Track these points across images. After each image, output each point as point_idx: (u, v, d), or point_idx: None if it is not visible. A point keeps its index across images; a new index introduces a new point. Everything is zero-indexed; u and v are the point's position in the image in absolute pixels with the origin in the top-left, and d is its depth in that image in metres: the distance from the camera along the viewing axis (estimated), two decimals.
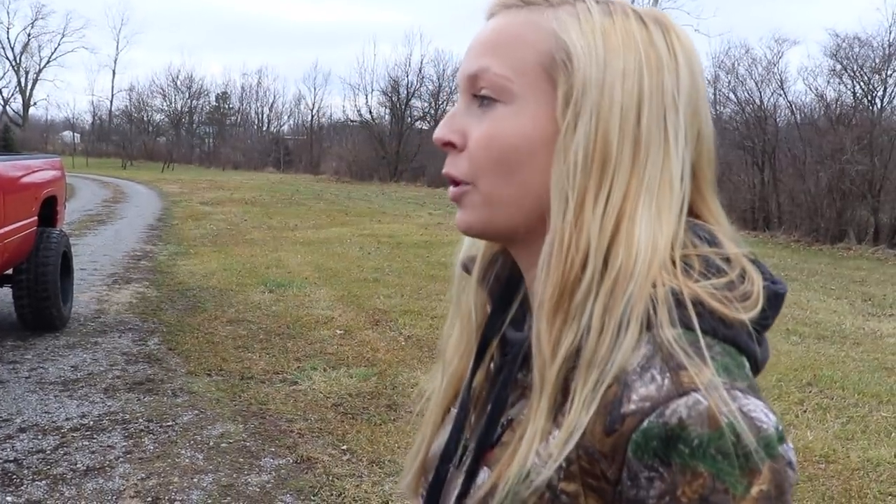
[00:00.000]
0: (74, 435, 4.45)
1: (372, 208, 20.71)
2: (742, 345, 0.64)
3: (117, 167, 46.23)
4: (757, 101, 19.03)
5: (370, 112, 40.12)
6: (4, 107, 56.41)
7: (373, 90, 49.39)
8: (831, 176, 16.37)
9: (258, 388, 5.37)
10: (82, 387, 5.27)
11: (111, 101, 64.70)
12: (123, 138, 55.62)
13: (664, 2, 25.94)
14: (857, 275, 11.89)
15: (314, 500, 3.80)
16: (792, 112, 19.44)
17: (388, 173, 35.37)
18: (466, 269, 0.84)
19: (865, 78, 17.93)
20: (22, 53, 58.15)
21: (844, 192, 16.40)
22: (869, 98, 18.10)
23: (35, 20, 58.78)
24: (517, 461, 0.65)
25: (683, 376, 0.60)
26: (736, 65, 19.65)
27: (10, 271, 6.34)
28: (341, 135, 45.46)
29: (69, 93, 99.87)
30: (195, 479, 3.94)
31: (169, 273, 9.78)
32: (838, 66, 18.26)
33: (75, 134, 62.86)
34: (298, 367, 5.87)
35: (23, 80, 58.47)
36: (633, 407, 0.60)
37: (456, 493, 0.74)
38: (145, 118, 60.54)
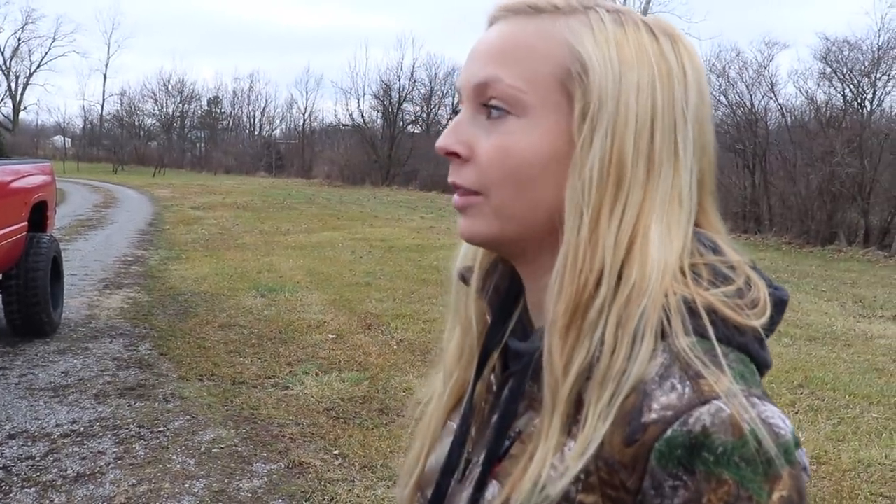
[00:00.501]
0: (64, 441, 4.43)
1: (364, 212, 20.70)
2: (753, 352, 0.65)
3: (108, 172, 46.09)
4: (748, 104, 19.10)
5: (362, 116, 40.14)
6: None
7: (365, 94, 49.38)
8: (822, 178, 16.44)
9: (250, 393, 5.36)
10: (73, 393, 5.24)
11: (102, 106, 64.41)
12: (114, 143, 55.44)
13: (655, 5, 26.03)
14: (847, 276, 11.94)
15: None
16: (782, 115, 19.53)
17: (380, 177, 35.36)
18: (464, 278, 0.82)
19: (855, 81, 18.01)
20: (12, 58, 57.93)
21: (835, 194, 16.47)
22: (858, 101, 18.18)
23: (25, 24, 58.55)
24: (531, 474, 0.65)
25: (703, 384, 0.60)
26: (727, 68, 19.72)
27: None
28: (333, 139, 45.46)
29: (60, 97, 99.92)
30: (186, 485, 3.92)
31: (160, 278, 9.75)
32: (828, 70, 18.35)
33: (66, 138, 62.67)
34: (290, 371, 5.86)
35: (13, 85, 58.25)
36: (654, 416, 0.60)
37: None
38: (136, 123, 60.40)
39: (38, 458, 4.19)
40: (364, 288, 9.35)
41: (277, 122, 60.75)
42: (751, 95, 19.16)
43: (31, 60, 59.82)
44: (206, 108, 61.40)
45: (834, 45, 18.17)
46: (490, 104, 0.69)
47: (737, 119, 19.06)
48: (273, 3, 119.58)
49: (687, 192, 0.68)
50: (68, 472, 4.04)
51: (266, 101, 76.59)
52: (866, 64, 17.76)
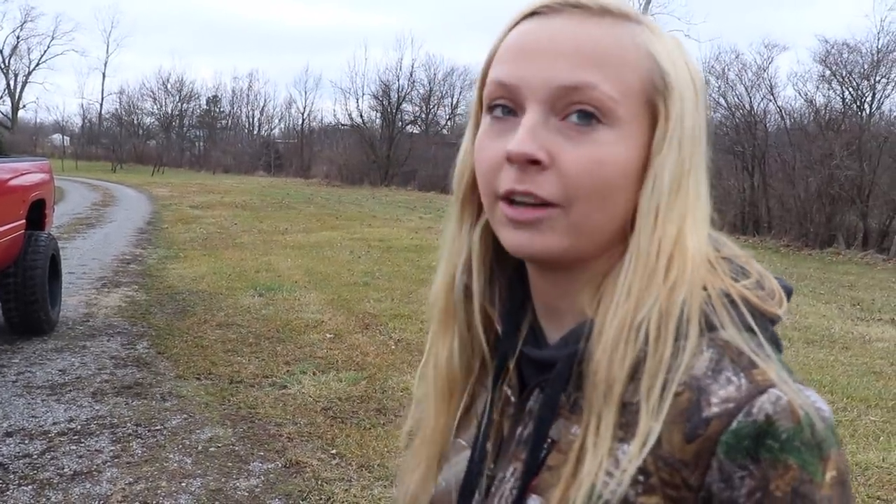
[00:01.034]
0: (62, 439, 4.42)
1: (362, 212, 20.69)
2: (777, 341, 0.69)
3: (107, 170, 46.05)
4: (747, 106, 19.13)
5: (361, 116, 40.16)
6: None
7: (364, 94, 49.48)
8: (821, 181, 16.45)
9: (247, 392, 5.35)
10: (70, 391, 5.24)
11: (101, 104, 64.41)
12: (113, 141, 55.39)
13: (655, 7, 26.04)
14: (846, 279, 11.95)
15: None
16: (782, 117, 19.56)
17: (378, 177, 35.36)
18: (468, 291, 0.79)
19: (854, 84, 18.04)
20: (11, 56, 57.87)
21: (833, 197, 16.49)
22: (858, 104, 18.22)
23: (24, 23, 58.35)
24: (585, 482, 0.64)
25: (756, 374, 0.62)
26: (726, 70, 19.76)
27: None
28: (332, 139, 45.43)
29: (59, 96, 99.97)
30: (183, 484, 3.92)
31: (158, 277, 9.74)
32: (827, 72, 18.39)
33: (65, 137, 62.67)
34: (288, 371, 5.85)
35: (12, 83, 58.18)
36: (716, 410, 0.61)
37: None
38: (135, 121, 60.34)
39: (35, 456, 4.18)
40: (362, 288, 9.35)
41: (276, 121, 60.85)
42: (750, 98, 19.20)
43: (29, 59, 59.72)
44: (204, 107, 61.41)
45: (833, 47, 18.23)
46: (577, 110, 0.66)
47: (736, 121, 19.08)
48: (272, 3, 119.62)
49: (706, 192, 0.71)
50: (65, 469, 4.03)
51: (265, 100, 76.49)
52: (865, 67, 17.80)
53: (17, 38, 57.82)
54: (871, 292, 10.70)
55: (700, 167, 0.70)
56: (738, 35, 75.52)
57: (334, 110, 77.39)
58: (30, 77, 59.71)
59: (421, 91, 41.12)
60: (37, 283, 6.32)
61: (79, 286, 8.81)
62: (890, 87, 17.90)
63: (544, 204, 0.66)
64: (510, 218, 0.68)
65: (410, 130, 40.23)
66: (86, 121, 66.14)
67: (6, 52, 57.61)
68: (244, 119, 62.04)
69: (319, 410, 5.03)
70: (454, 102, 44.20)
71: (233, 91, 62.29)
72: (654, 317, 0.65)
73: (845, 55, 18.10)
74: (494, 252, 0.78)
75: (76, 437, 4.47)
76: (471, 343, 0.80)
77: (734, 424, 0.60)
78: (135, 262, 10.92)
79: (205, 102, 61.30)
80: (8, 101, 57.48)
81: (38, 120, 66.09)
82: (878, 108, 18.22)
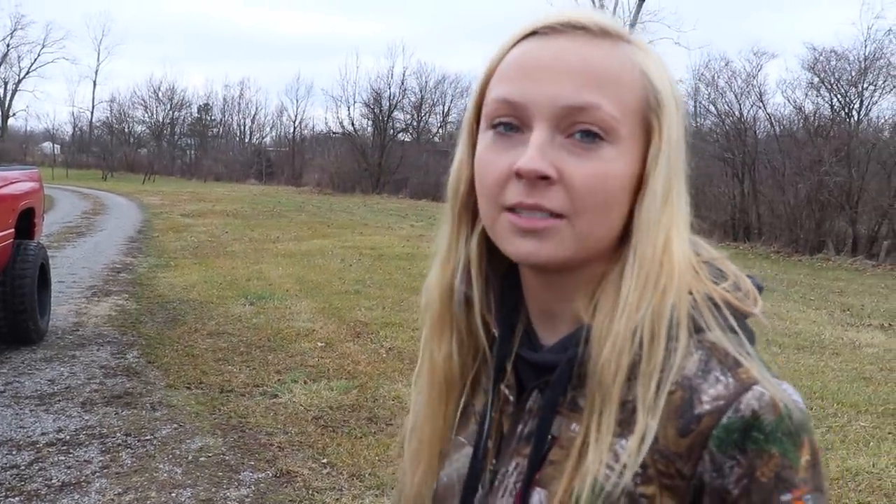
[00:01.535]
0: (50, 450, 4.39)
1: (354, 220, 20.68)
2: (752, 333, 0.74)
3: (98, 179, 45.92)
4: (737, 113, 19.22)
5: (352, 124, 40.18)
6: None
7: (355, 102, 49.24)
8: (810, 187, 16.53)
9: (238, 401, 5.33)
10: (59, 401, 5.21)
11: (92, 113, 64.29)
12: (104, 150, 55.30)
13: (645, 15, 26.14)
14: (835, 285, 11.99)
15: None
16: (771, 124, 19.66)
17: (370, 185, 35.35)
18: (467, 297, 0.82)
19: (842, 91, 18.17)
20: (1, 64, 57.75)
21: (823, 203, 16.57)
22: (846, 111, 18.34)
23: (14, 30, 58.31)
24: (589, 475, 0.69)
25: (742, 373, 0.68)
26: (716, 77, 19.87)
27: None
28: (323, 147, 45.44)
29: (49, 104, 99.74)
30: (173, 494, 3.90)
31: (149, 285, 9.71)
32: (816, 79, 18.51)
33: (55, 145, 62.48)
34: (279, 379, 5.84)
35: (2, 91, 58.09)
36: (707, 407, 0.67)
37: None
38: (126, 129, 60.29)
39: (22, 467, 4.15)
40: (353, 296, 9.34)
41: (268, 129, 60.80)
42: (739, 105, 19.30)
43: (20, 66, 59.65)
44: (196, 115, 61.35)
45: (821, 55, 18.36)
46: (583, 129, 0.70)
47: (726, 128, 19.18)
48: (264, 11, 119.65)
49: (685, 196, 0.75)
50: (53, 480, 4.00)
51: (256, 108, 76.52)
52: (853, 74, 17.93)
53: (7, 46, 57.77)
54: (861, 298, 10.74)
55: (682, 177, 0.75)
56: (728, 42, 76.08)
57: (326, 118, 77.29)
58: (20, 85, 59.72)
59: (412, 99, 41.25)
60: (26, 292, 6.28)
61: (68, 295, 8.77)
62: (877, 94, 18.04)
63: (552, 215, 0.70)
64: (519, 227, 0.71)
65: (402, 138, 40.29)
66: (76, 129, 66.06)
67: None
68: (235, 127, 62.02)
69: (310, 419, 5.01)
70: (445, 110, 44.33)
71: (224, 99, 62.03)
72: (648, 321, 0.70)
73: (833, 62, 18.24)
74: (488, 260, 0.82)
75: (65, 447, 4.44)
76: (468, 345, 0.83)
77: (724, 420, 0.66)
78: (125, 271, 10.88)
79: (196, 110, 61.28)
80: None
81: (29, 128, 66.11)
82: (866, 114, 18.37)
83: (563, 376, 0.73)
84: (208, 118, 61.50)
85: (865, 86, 17.87)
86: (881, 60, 17.73)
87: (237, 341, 6.93)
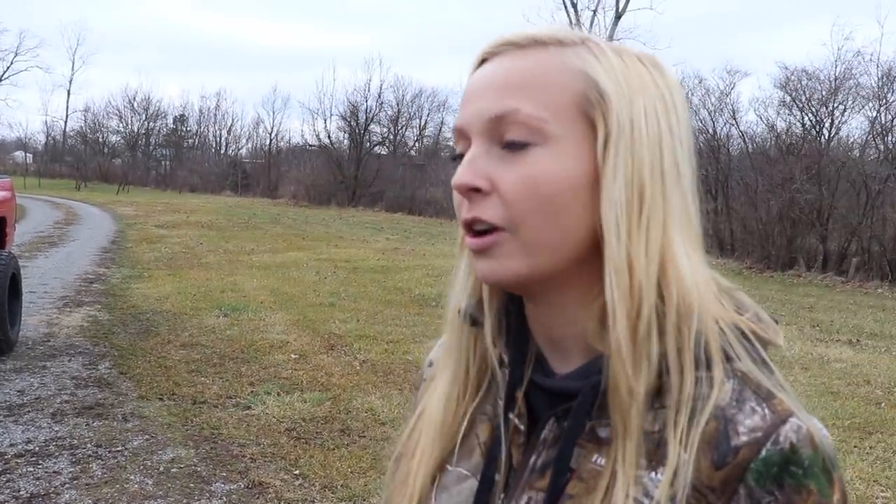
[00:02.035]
0: (18, 461, 4.35)
1: (329, 233, 20.65)
2: (773, 369, 0.71)
3: (71, 189, 45.52)
4: (710, 130, 19.46)
5: (329, 137, 40.15)
6: None
7: (332, 115, 49.33)
8: (782, 204, 16.76)
9: (210, 412, 5.31)
10: (28, 412, 5.16)
11: (66, 122, 63.73)
12: (78, 159, 54.83)
13: (620, 32, 26.38)
14: (806, 301, 12.15)
15: None
16: (744, 141, 19.95)
17: (346, 198, 35.32)
18: (473, 319, 0.78)
19: (813, 109, 18.47)
20: None
21: (794, 220, 16.81)
22: (817, 129, 18.63)
23: None
24: None
25: (777, 404, 0.65)
26: (690, 95, 20.07)
27: None
28: (300, 159, 45.39)
29: (22, 112, 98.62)
30: None
31: (122, 296, 9.64)
32: (788, 98, 18.81)
33: (27, 154, 61.84)
34: (252, 391, 5.82)
35: None
36: (744, 439, 0.64)
37: None
38: (101, 139, 59.88)
39: None
40: (328, 308, 9.33)
41: (244, 141, 60.64)
42: (713, 122, 19.55)
43: None
44: (171, 125, 61.10)
45: (793, 74, 18.67)
46: (508, 136, 0.68)
47: (699, 145, 19.23)
48: (241, 22, 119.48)
49: (694, 211, 0.71)
50: (21, 492, 3.97)
51: (232, 119, 76.33)
52: (824, 93, 18.24)
53: None
54: (830, 314, 10.89)
55: (677, 179, 0.70)
56: (702, 61, 76.86)
57: (302, 130, 77.36)
58: None
59: (389, 112, 41.34)
60: None
61: (40, 305, 8.68)
62: (847, 113, 18.36)
63: (493, 229, 0.69)
64: (471, 248, 0.71)
65: (378, 151, 40.33)
66: (49, 138, 65.43)
67: None
68: (211, 138, 61.80)
69: (283, 431, 5.00)
70: (422, 124, 44.51)
71: (200, 110, 61.97)
72: (671, 347, 0.66)
73: (804, 82, 18.55)
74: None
75: (34, 458, 4.40)
76: (473, 371, 0.80)
77: (763, 452, 0.63)
78: (98, 282, 10.79)
79: (171, 121, 61.02)
80: None
81: (0, 137, 65.19)
82: (836, 133, 18.66)
83: (586, 403, 0.69)
84: (184, 129, 61.26)
85: (836, 105, 18.19)
86: (850, 81, 18.06)
87: (210, 353, 6.90)
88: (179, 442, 4.74)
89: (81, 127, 61.66)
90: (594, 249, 0.69)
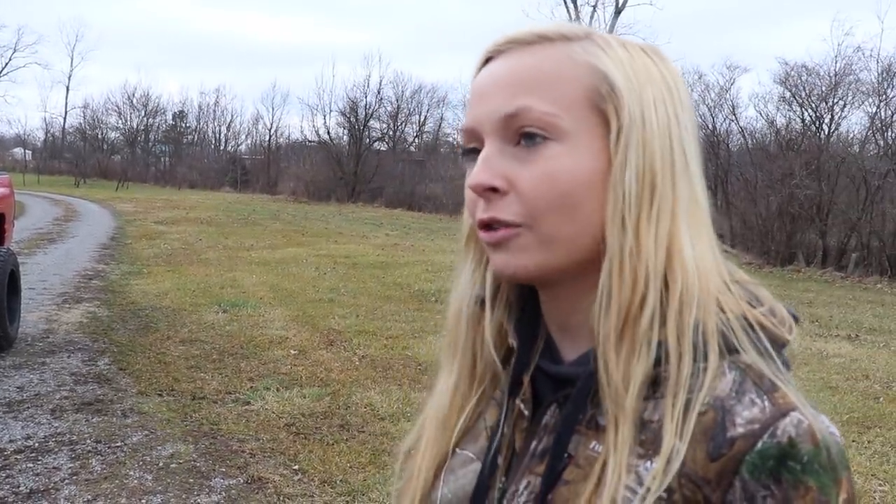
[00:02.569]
0: (18, 457, 4.36)
1: (329, 229, 20.65)
2: (788, 362, 0.70)
3: (70, 185, 45.49)
4: (710, 126, 19.46)
5: (328, 132, 40.10)
6: None
7: (331, 111, 49.11)
8: (781, 200, 16.77)
9: (210, 408, 5.31)
10: (28, 408, 5.16)
11: (65, 118, 63.54)
12: (77, 156, 54.73)
13: (620, 28, 26.38)
14: (805, 296, 12.16)
15: None
16: (744, 137, 19.96)
17: (345, 194, 35.31)
18: (483, 304, 0.79)
19: (813, 105, 18.47)
20: None
21: (794, 215, 16.81)
22: (816, 125, 18.64)
23: None
24: (607, 496, 0.64)
25: (778, 397, 0.64)
26: (689, 90, 20.04)
27: None
28: (299, 155, 45.30)
29: (20, 109, 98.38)
30: (143, 501, 3.88)
31: (121, 293, 9.64)
32: (787, 94, 18.82)
33: (26, 151, 61.74)
34: (251, 387, 5.83)
35: None
36: (741, 430, 0.63)
37: None
38: (100, 136, 59.72)
39: None
40: (327, 304, 9.33)
41: (243, 137, 60.42)
42: (713, 118, 19.55)
43: None
44: (170, 122, 60.94)
45: (793, 69, 18.66)
46: (525, 133, 0.69)
47: (699, 141, 19.36)
48: (240, 17, 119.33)
49: (703, 200, 0.72)
50: (21, 488, 3.97)
51: (232, 115, 76.22)
52: (823, 89, 18.23)
53: None
54: (829, 309, 10.90)
55: (685, 168, 0.70)
56: (701, 56, 76.84)
57: (301, 126, 77.16)
58: None
59: (388, 108, 41.27)
60: None
61: (39, 302, 8.69)
62: (847, 108, 18.37)
63: (511, 225, 0.69)
64: (487, 242, 0.71)
65: (378, 147, 40.28)
66: (48, 135, 65.29)
67: None
68: (210, 134, 61.65)
69: (282, 426, 5.01)
70: (421, 120, 44.48)
71: (199, 106, 61.85)
72: (672, 335, 0.66)
73: (804, 77, 18.56)
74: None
75: (33, 454, 4.41)
76: (481, 357, 0.80)
77: (759, 445, 0.62)
78: (97, 278, 10.80)
79: (171, 117, 60.87)
80: None
81: None
82: (836, 129, 18.69)
83: (584, 390, 0.70)
84: (183, 125, 61.14)
85: (835, 101, 18.20)
86: (850, 76, 18.07)
87: (210, 348, 6.91)
88: (179, 437, 4.75)
89: (80, 123, 61.51)
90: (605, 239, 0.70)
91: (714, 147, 18.93)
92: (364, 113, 39.03)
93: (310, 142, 42.54)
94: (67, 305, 8.65)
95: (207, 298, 9.32)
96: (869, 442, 5.18)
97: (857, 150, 17.95)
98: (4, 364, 6.14)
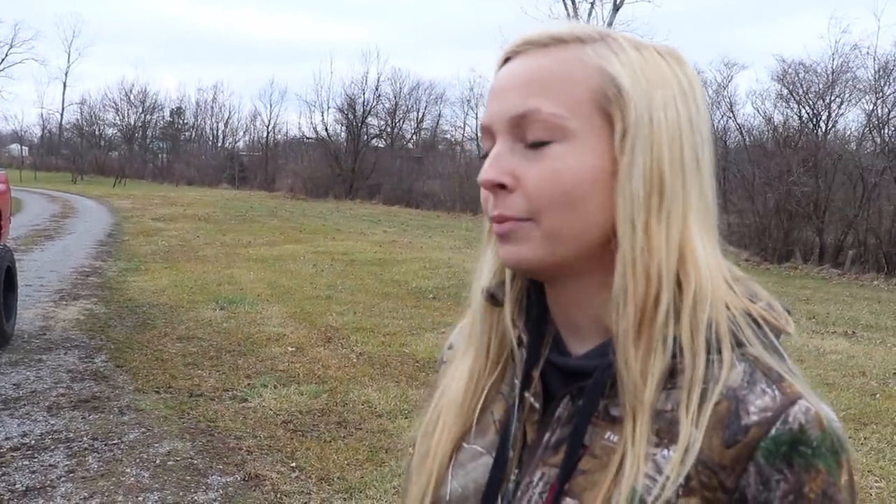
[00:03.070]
0: (14, 455, 4.35)
1: (326, 225, 20.63)
2: (787, 357, 0.73)
3: (67, 182, 45.41)
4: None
5: (326, 129, 40.04)
6: None
7: (329, 107, 49.25)
8: (779, 197, 16.77)
9: (207, 405, 5.31)
10: (24, 405, 5.16)
11: (62, 115, 63.56)
12: (74, 152, 54.67)
13: (618, 24, 26.34)
14: (802, 293, 12.17)
15: None
16: (741, 134, 19.96)
17: (343, 191, 35.29)
18: (493, 297, 0.81)
19: (810, 102, 18.47)
20: None
21: (791, 212, 16.81)
22: (814, 122, 18.65)
23: None
24: (626, 487, 0.67)
25: (786, 387, 0.68)
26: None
27: None
28: (297, 152, 45.22)
29: (17, 105, 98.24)
30: (140, 498, 3.88)
31: (118, 289, 9.63)
32: (785, 91, 18.80)
33: (23, 147, 61.70)
34: (248, 384, 5.82)
35: None
36: (755, 418, 0.66)
37: None
38: (97, 132, 59.69)
39: None
40: (325, 301, 9.33)
41: (241, 133, 60.32)
42: (710, 115, 19.44)
43: None
44: (168, 118, 60.92)
45: (790, 67, 18.66)
46: (531, 134, 0.71)
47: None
48: (238, 14, 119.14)
49: (712, 201, 0.74)
50: (17, 486, 3.97)
51: (230, 112, 75.89)
52: (821, 86, 18.24)
53: None
54: (826, 306, 10.91)
55: (696, 170, 0.73)
56: (699, 53, 76.92)
57: (299, 123, 77.17)
58: None
59: (386, 105, 41.24)
60: None
61: (36, 299, 8.67)
62: (844, 106, 18.37)
63: (518, 220, 0.72)
64: (496, 233, 0.74)
65: (376, 144, 40.24)
66: (45, 131, 65.29)
67: None
68: (208, 131, 61.61)
69: (280, 423, 5.01)
70: (419, 117, 44.45)
71: (197, 102, 61.90)
72: (686, 332, 0.69)
73: (802, 75, 18.55)
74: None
75: (30, 452, 4.40)
76: (492, 350, 0.82)
77: (773, 431, 0.66)
78: (94, 275, 10.78)
79: (168, 114, 60.85)
80: None
81: None
82: (833, 126, 18.69)
83: (600, 382, 0.72)
84: (181, 122, 61.09)
85: (833, 98, 18.20)
86: (847, 74, 18.08)
87: (207, 345, 6.90)
88: (176, 435, 4.75)
89: (77, 120, 61.50)
90: (609, 241, 0.72)
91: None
92: (362, 109, 38.98)
93: (308, 138, 42.49)
94: (64, 302, 8.64)
95: (205, 295, 9.31)
96: (865, 438, 5.18)
97: (854, 148, 17.94)
98: (1, 361, 6.12)
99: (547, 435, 0.75)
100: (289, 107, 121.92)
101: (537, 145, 0.71)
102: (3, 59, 58.53)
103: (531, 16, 23.47)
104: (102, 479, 4.08)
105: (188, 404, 5.30)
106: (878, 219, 16.04)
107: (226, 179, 47.00)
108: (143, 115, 59.51)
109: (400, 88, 42.14)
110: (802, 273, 15.20)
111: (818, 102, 18.32)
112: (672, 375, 0.69)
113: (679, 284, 0.70)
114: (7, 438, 4.57)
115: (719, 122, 19.65)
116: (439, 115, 44.64)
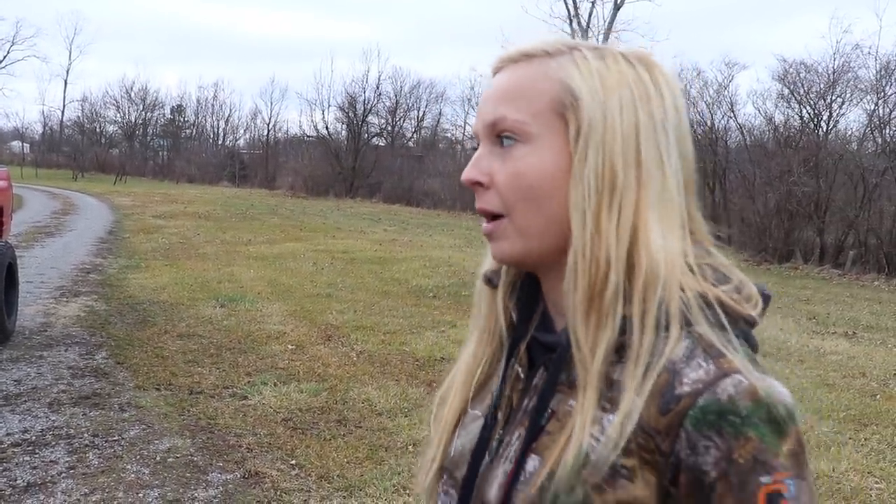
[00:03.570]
0: (15, 450, 4.36)
1: (327, 224, 20.64)
2: (751, 338, 0.81)
3: (68, 179, 45.43)
4: (708, 122, 19.43)
5: (327, 128, 40.02)
6: None
7: (330, 106, 49.20)
8: (779, 197, 16.76)
9: (207, 402, 5.32)
10: (25, 401, 5.16)
11: (63, 112, 63.50)
12: (75, 150, 54.64)
13: (619, 24, 26.32)
14: (803, 294, 12.17)
15: None
16: (742, 134, 19.92)
17: (343, 189, 35.28)
18: (489, 282, 0.92)
19: (811, 102, 18.44)
20: None
21: (792, 212, 16.80)
22: (815, 122, 18.61)
23: None
24: (574, 445, 0.76)
25: (723, 362, 0.74)
26: (688, 87, 20.02)
27: None
28: (297, 150, 45.22)
29: (19, 102, 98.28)
30: (140, 495, 3.89)
31: (119, 286, 9.64)
32: (786, 91, 18.78)
33: (24, 144, 61.70)
34: (249, 381, 5.83)
35: None
36: (686, 389, 0.73)
37: (498, 482, 0.83)
38: (98, 129, 59.69)
39: None
40: (325, 299, 9.33)
41: (241, 131, 60.36)
42: (711, 114, 19.49)
43: None
44: (169, 116, 60.91)
45: (791, 66, 18.62)
46: (502, 136, 0.82)
47: (697, 137, 19.34)
48: (239, 12, 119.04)
49: (675, 193, 0.80)
50: (18, 481, 3.97)
51: (230, 110, 75.97)
52: (822, 86, 18.20)
53: None
54: (827, 306, 10.91)
55: (658, 165, 0.80)
56: (700, 53, 76.92)
57: (300, 121, 77.10)
58: None
59: (387, 103, 41.20)
60: None
61: (36, 295, 8.68)
62: (845, 106, 18.34)
63: (495, 217, 0.83)
64: (484, 233, 0.85)
65: (376, 142, 40.21)
66: (46, 128, 65.30)
67: None
68: (209, 129, 61.62)
69: (280, 421, 5.01)
70: (420, 115, 44.44)
71: (198, 100, 61.93)
72: (636, 312, 0.76)
73: (803, 74, 18.51)
74: None
75: (30, 448, 4.41)
76: (491, 329, 0.93)
77: (701, 401, 0.72)
78: (95, 272, 10.79)
79: (169, 111, 60.83)
80: None
81: None
82: (834, 126, 18.65)
83: (562, 355, 0.81)
84: (181, 119, 61.09)
85: (834, 98, 18.17)
86: (849, 74, 18.03)
87: (207, 343, 6.91)
88: (176, 432, 4.75)
89: (79, 117, 61.51)
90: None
91: (712, 144, 18.91)
92: (363, 108, 38.97)
93: (308, 137, 42.48)
94: (65, 299, 8.64)
95: (205, 293, 9.32)
96: (865, 439, 5.19)
97: (855, 148, 17.92)
98: (2, 357, 6.13)
99: (526, 401, 0.85)
100: (289, 105, 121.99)
101: (506, 147, 0.82)
102: (4, 57, 58.51)
103: (532, 14, 23.50)
104: (103, 475, 4.08)
105: (188, 401, 5.31)
106: (879, 219, 16.03)
107: (226, 177, 46.99)
108: (143, 113, 59.52)
109: (401, 87, 42.16)
110: (803, 273, 15.20)
111: (819, 102, 18.29)
112: (623, 349, 0.76)
113: (632, 269, 0.77)
114: (8, 434, 4.58)
115: (720, 121, 19.61)
116: (440, 113, 44.73)
